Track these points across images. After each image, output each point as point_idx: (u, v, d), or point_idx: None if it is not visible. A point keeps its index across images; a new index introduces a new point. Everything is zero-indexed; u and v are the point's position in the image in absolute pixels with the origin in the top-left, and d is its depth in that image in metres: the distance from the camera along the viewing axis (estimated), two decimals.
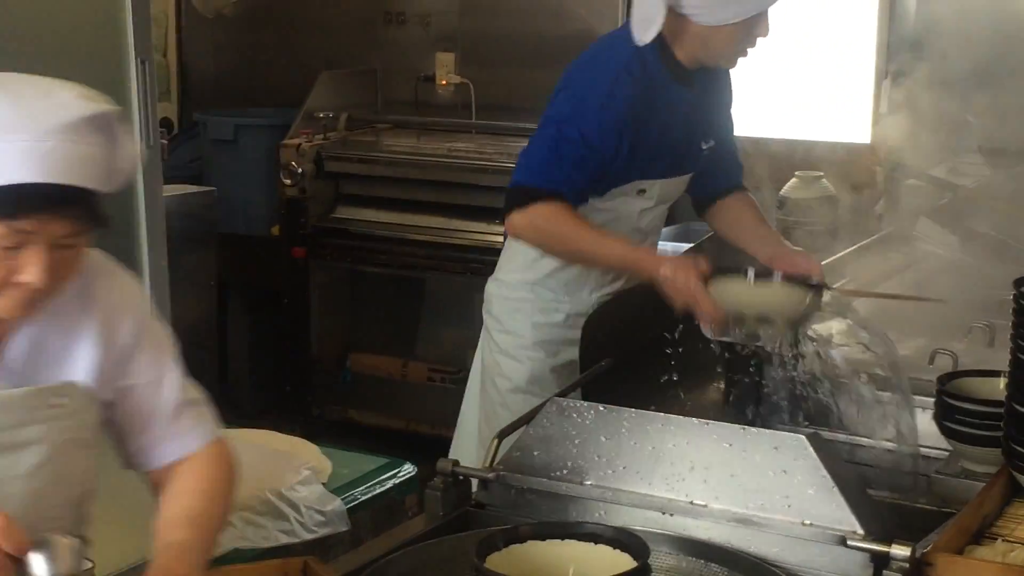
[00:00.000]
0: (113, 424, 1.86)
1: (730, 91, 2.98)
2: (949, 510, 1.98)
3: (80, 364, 1.77)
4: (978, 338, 2.62)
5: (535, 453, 1.92)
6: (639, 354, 2.66)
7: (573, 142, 2.69)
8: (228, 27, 5.80)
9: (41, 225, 1.60)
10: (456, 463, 1.96)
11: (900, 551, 1.65)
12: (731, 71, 2.92)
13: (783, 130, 3.37)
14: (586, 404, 1.92)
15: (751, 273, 2.46)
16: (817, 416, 2.54)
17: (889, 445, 2.32)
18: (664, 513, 1.82)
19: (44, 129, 1.58)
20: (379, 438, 4.83)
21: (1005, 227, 2.98)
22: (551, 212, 2.69)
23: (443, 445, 3.43)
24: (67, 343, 1.77)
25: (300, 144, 4.97)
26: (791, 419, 2.47)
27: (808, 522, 1.74)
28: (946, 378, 2.23)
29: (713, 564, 1.74)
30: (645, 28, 2.69)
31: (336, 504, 3.29)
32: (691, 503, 1.81)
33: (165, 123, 5.23)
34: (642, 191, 2.85)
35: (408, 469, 3.59)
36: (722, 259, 2.82)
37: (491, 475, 1.95)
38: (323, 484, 3.37)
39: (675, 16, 2.69)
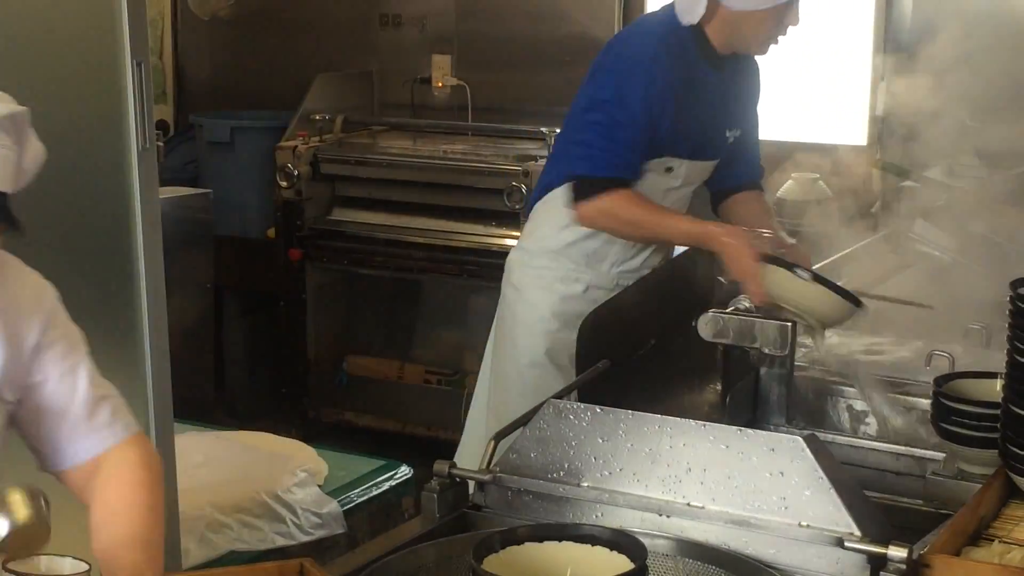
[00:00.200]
0: (22, 423, 1.81)
1: (758, 86, 3.07)
2: (946, 511, 1.98)
3: None
4: (974, 340, 2.62)
5: (532, 455, 1.92)
6: (636, 355, 2.66)
7: (624, 125, 2.78)
8: (224, 29, 5.80)
9: None
10: (453, 465, 1.96)
11: (897, 552, 1.65)
12: (760, 71, 3.04)
13: (779, 132, 3.37)
14: (583, 406, 1.91)
15: (803, 273, 2.52)
16: (814, 417, 2.54)
17: (885, 446, 2.32)
18: (661, 515, 1.82)
19: None
20: (375, 440, 4.83)
21: (1001, 229, 2.98)
22: (620, 200, 2.83)
23: (439, 447, 3.43)
24: None
25: (296, 146, 4.97)
26: (787, 420, 2.47)
27: (805, 523, 1.74)
28: (943, 380, 2.23)
29: (710, 566, 1.74)
30: (690, 9, 2.81)
31: (332, 506, 3.29)
32: (688, 505, 1.81)
33: (161, 125, 5.23)
34: (670, 168, 2.91)
35: (404, 471, 3.59)
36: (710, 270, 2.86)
37: (488, 477, 1.94)
38: (319, 486, 3.37)
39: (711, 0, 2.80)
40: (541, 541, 1.67)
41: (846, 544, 1.70)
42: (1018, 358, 1.92)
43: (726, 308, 2.54)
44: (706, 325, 2.49)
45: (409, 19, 5.41)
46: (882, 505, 2.00)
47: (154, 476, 1.84)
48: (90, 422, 1.82)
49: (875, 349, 2.75)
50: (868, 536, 1.70)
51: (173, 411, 2.85)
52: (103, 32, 2.63)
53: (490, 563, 1.60)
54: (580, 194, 2.86)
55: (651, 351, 2.74)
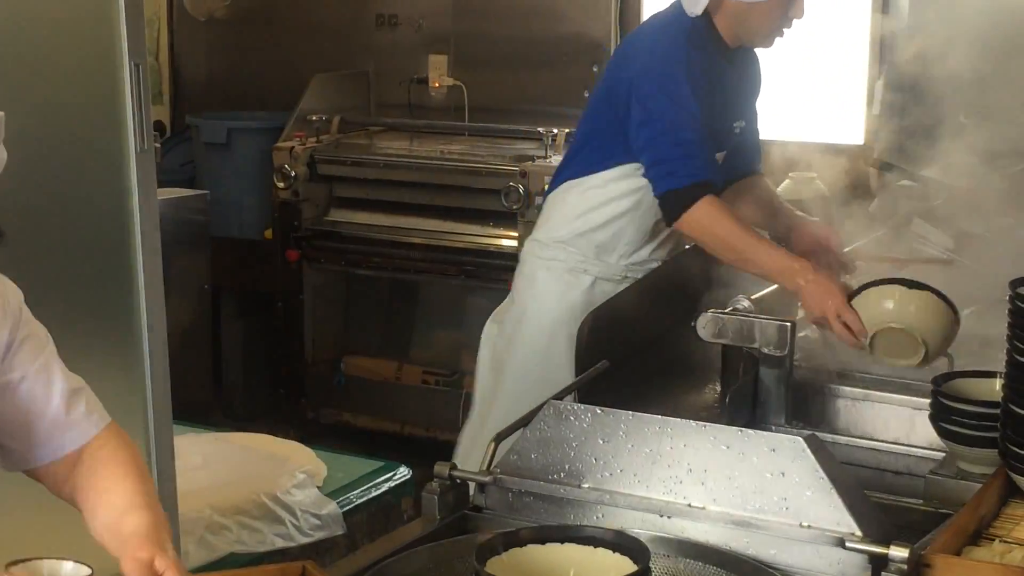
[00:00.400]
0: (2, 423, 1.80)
1: (760, 79, 3.12)
2: (946, 511, 1.98)
3: None
4: (971, 339, 2.61)
5: (532, 456, 1.92)
6: (635, 356, 2.66)
7: (683, 125, 2.79)
8: (220, 30, 5.79)
9: None
10: (454, 466, 1.96)
11: (898, 552, 1.65)
12: (760, 64, 3.09)
13: (776, 131, 3.38)
14: (583, 407, 1.91)
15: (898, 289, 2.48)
16: (813, 417, 2.55)
17: (885, 446, 2.33)
18: (662, 516, 1.82)
19: None
20: (373, 441, 4.83)
21: (999, 228, 2.98)
22: (712, 212, 2.77)
23: (438, 447, 3.43)
24: None
25: (293, 147, 4.97)
26: (787, 421, 2.47)
27: (806, 524, 1.74)
28: (942, 379, 2.23)
29: (711, 566, 1.74)
30: (695, 1, 2.84)
31: (332, 508, 3.28)
32: (689, 505, 1.81)
33: (157, 126, 5.22)
34: None
35: (403, 472, 3.59)
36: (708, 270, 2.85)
37: (488, 478, 1.94)
38: (318, 488, 3.36)
39: None
40: (544, 543, 1.67)
41: (847, 544, 1.70)
42: (1017, 357, 1.92)
43: (725, 308, 2.55)
44: (705, 325, 2.49)
45: (405, 19, 5.41)
46: (882, 505, 2.00)
47: (138, 459, 1.84)
48: (68, 416, 1.81)
49: None
50: (869, 536, 1.70)
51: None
52: (101, 34, 2.62)
53: (493, 565, 1.60)
54: (672, 211, 2.82)
55: (650, 351, 2.74)
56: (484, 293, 4.88)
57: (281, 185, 4.95)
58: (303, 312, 5.08)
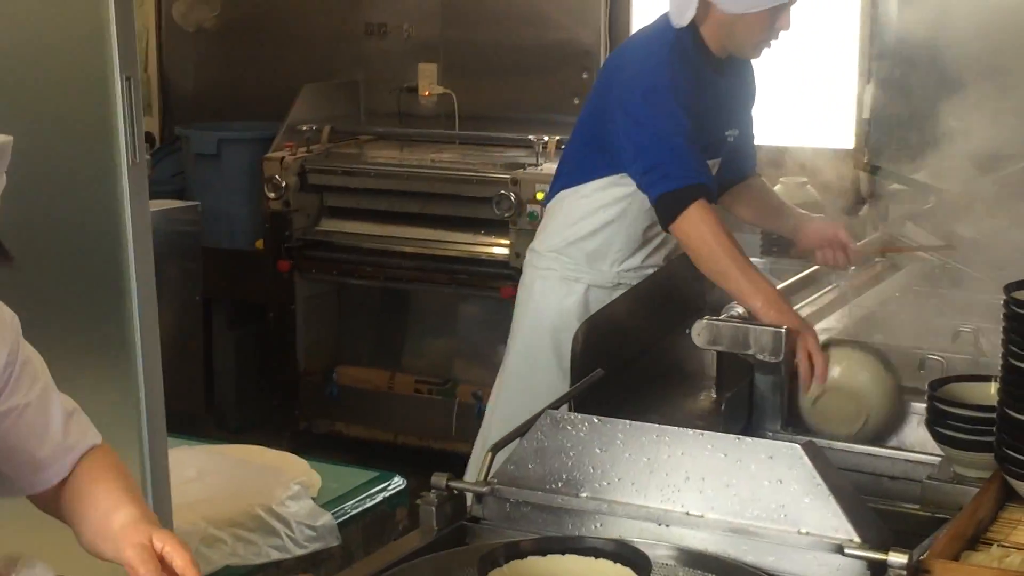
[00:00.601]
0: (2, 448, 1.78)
1: (754, 88, 3.15)
2: (943, 516, 1.99)
3: None
4: (964, 342, 2.62)
5: (530, 466, 1.91)
6: (630, 364, 2.66)
7: (672, 133, 2.79)
8: (209, 41, 5.78)
9: None
10: (451, 477, 1.95)
11: (897, 558, 1.66)
12: (754, 73, 3.11)
13: (766, 136, 3.38)
14: (580, 416, 1.91)
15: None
16: (807, 423, 2.55)
17: (881, 451, 2.33)
18: (660, 524, 1.82)
19: None
20: (367, 451, 4.82)
21: (990, 231, 2.99)
22: (707, 218, 2.72)
23: (431, 456, 3.43)
24: None
25: (283, 157, 4.96)
26: (783, 427, 2.48)
27: (804, 531, 1.74)
28: (937, 383, 2.23)
29: (710, 574, 1.74)
30: (681, 13, 2.86)
31: (327, 519, 3.27)
32: (687, 514, 1.81)
33: (147, 138, 5.19)
34: None
35: (398, 482, 3.58)
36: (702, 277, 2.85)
37: (485, 489, 1.94)
38: (313, 499, 3.35)
39: (704, 3, 2.84)
40: (545, 554, 1.67)
41: (846, 551, 1.70)
42: (1013, 362, 1.92)
43: (719, 315, 2.55)
44: (700, 332, 2.49)
45: (395, 28, 5.40)
46: (879, 510, 2.00)
47: (119, 463, 1.82)
48: (65, 441, 1.81)
49: None
50: (868, 542, 1.70)
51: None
52: (92, 47, 2.62)
53: None
54: (668, 213, 2.78)
55: (645, 359, 2.74)
56: (476, 301, 4.88)
57: (272, 195, 4.95)
58: (295, 322, 5.07)
